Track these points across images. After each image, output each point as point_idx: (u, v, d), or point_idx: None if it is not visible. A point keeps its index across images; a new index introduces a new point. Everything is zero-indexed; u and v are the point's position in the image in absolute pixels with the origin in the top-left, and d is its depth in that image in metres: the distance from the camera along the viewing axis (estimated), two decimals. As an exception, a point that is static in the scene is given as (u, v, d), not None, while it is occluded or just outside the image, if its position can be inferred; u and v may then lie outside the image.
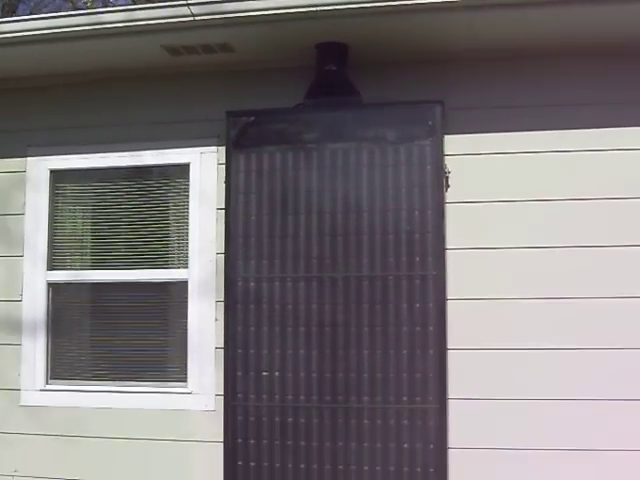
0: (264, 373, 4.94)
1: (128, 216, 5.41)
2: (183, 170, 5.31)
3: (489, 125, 4.95)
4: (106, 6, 11.87)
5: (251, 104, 5.10)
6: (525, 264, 4.83)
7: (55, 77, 5.48)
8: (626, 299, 4.71)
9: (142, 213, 5.38)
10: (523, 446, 4.77)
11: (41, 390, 5.41)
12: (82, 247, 5.54)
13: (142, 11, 4.80)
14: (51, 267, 5.48)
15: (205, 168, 5.23)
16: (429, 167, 4.89)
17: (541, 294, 4.81)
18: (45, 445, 5.37)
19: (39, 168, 5.50)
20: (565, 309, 4.79)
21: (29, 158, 5.55)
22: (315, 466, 4.87)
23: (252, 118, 5.07)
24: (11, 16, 10.82)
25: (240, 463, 4.95)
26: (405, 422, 4.81)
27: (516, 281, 4.85)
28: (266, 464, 4.93)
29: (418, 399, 4.79)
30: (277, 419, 4.92)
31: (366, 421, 4.83)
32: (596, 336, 4.75)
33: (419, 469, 4.77)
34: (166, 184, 5.38)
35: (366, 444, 4.83)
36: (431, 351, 4.80)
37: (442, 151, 4.91)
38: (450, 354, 4.84)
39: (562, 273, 4.81)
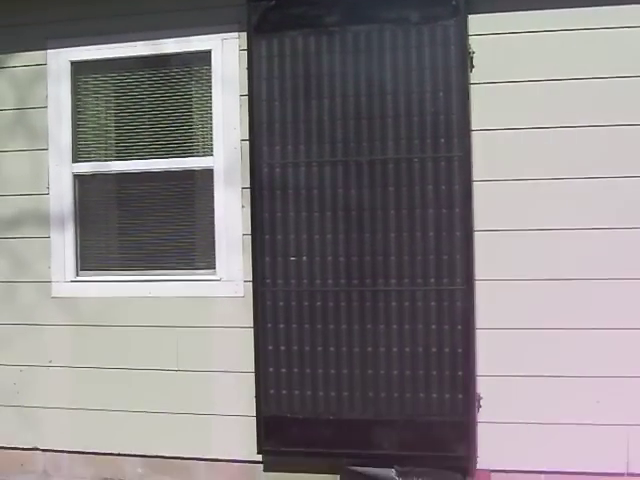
0: (292, 258, 4.96)
1: (151, 105, 5.39)
2: (205, 57, 5.26)
3: (514, 3, 4.84)
4: None
5: (272, -12, 4.99)
6: (552, 143, 4.76)
7: (72, -33, 5.36)
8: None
9: (165, 102, 5.36)
10: (553, 325, 4.75)
11: (72, 281, 5.47)
12: (106, 138, 5.53)
13: None
14: (76, 159, 5.49)
15: (227, 55, 5.19)
16: (453, 48, 4.83)
17: (569, 174, 4.75)
18: (78, 335, 5.46)
19: (59, 60, 5.46)
20: (593, 189, 4.72)
21: (49, 50, 5.50)
22: (344, 349, 4.93)
23: (273, 2, 5.02)
24: None
25: (270, 347, 5.02)
26: (433, 304, 4.84)
27: (545, 161, 4.77)
28: (295, 348, 5.00)
29: (445, 281, 4.81)
30: (306, 303, 4.96)
31: (394, 303, 4.86)
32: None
33: (447, 349, 4.83)
34: (188, 72, 5.34)
35: (394, 326, 4.88)
36: (458, 233, 4.80)
37: (466, 31, 4.84)
38: (477, 236, 4.83)
39: (592, 152, 4.71)
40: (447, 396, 4.81)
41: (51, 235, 5.48)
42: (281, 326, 4.98)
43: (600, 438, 4.70)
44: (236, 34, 5.15)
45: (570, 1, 4.77)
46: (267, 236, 4.97)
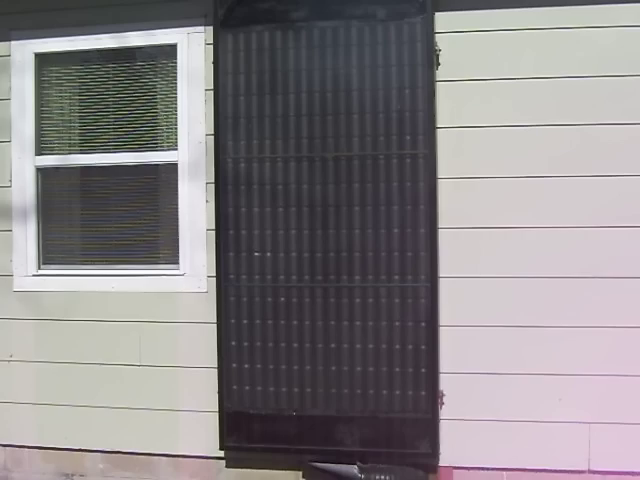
0: (256, 254, 4.96)
1: (116, 99, 5.35)
2: (170, 51, 5.24)
3: (480, 2, 4.86)
4: None
5: (239, -18, 4.97)
6: (516, 142, 4.78)
7: (38, -42, 5.31)
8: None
9: (130, 95, 5.33)
10: (516, 323, 4.77)
11: (33, 275, 5.42)
12: (70, 131, 5.48)
13: None
14: (39, 152, 5.44)
15: (192, 49, 5.16)
16: (419, 45, 4.84)
17: (532, 172, 4.78)
18: (39, 329, 5.41)
19: (23, 52, 5.41)
20: (555, 187, 4.75)
21: (13, 42, 5.45)
22: (308, 345, 4.93)
23: (240, -4, 4.97)
24: None
25: (233, 343, 5.01)
26: (397, 301, 4.85)
27: (507, 159, 4.80)
28: (259, 344, 4.99)
29: (409, 278, 4.82)
30: (269, 299, 4.95)
31: (358, 300, 4.86)
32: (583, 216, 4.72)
33: (411, 346, 4.84)
34: (153, 65, 5.31)
35: (358, 323, 4.89)
36: (422, 230, 4.81)
37: (433, 29, 4.85)
38: (441, 233, 4.84)
39: (555, 151, 4.74)
40: (410, 393, 4.82)
41: (13, 228, 5.43)
42: (244, 322, 4.97)
43: (562, 435, 4.74)
44: (202, 28, 5.13)
45: (538, 0, 4.75)
46: (231, 231, 4.96)
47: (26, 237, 5.41)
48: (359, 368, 4.86)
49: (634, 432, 4.70)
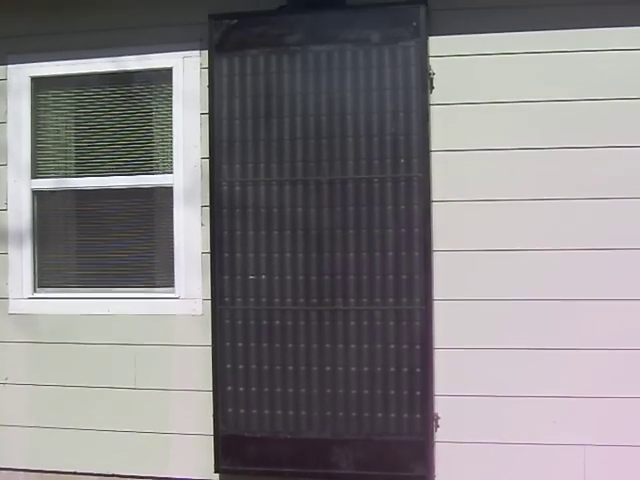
0: (251, 277, 4.96)
1: (111, 122, 5.37)
2: (166, 75, 5.26)
3: (474, 26, 4.89)
4: None
5: (234, 7, 5.02)
6: (511, 164, 4.79)
7: (34, -18, 5.34)
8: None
9: (125, 119, 5.35)
10: (510, 346, 4.78)
11: (29, 298, 5.42)
12: (66, 154, 5.50)
13: None
14: (35, 175, 5.45)
15: (188, 72, 5.19)
16: (413, 69, 4.85)
17: (527, 195, 4.80)
18: (35, 352, 5.41)
19: (19, 75, 5.44)
20: (549, 210, 4.77)
21: (9, 66, 5.47)
22: (303, 368, 4.92)
23: (235, 21, 5.02)
24: None
25: (229, 366, 5.00)
26: (391, 323, 4.84)
27: (503, 182, 4.81)
28: (254, 367, 4.99)
29: (404, 300, 4.83)
30: (264, 322, 4.96)
31: (352, 323, 4.87)
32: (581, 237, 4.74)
33: (405, 369, 4.84)
34: (149, 89, 5.34)
35: (353, 345, 4.88)
36: (416, 253, 4.81)
37: (427, 52, 4.87)
38: (435, 256, 4.85)
39: (550, 174, 4.76)
40: (405, 416, 4.81)
41: (9, 251, 5.44)
42: (239, 345, 4.97)
43: (557, 457, 4.73)
44: (197, 52, 5.16)
45: (529, 24, 4.82)
46: (226, 254, 4.96)
47: (22, 260, 5.42)
48: (354, 391, 4.86)
49: (629, 454, 4.68)
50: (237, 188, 4.97)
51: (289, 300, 4.92)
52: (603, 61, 4.77)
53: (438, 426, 4.86)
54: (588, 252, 4.73)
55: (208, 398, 5.05)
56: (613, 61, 4.76)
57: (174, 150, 5.21)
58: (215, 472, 5.07)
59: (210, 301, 5.04)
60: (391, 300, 4.84)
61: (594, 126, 4.76)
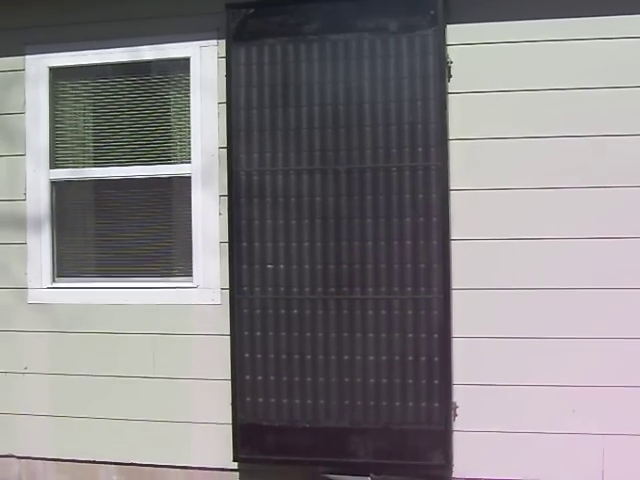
0: (269, 266, 4.96)
1: (129, 112, 5.39)
2: (183, 65, 5.27)
3: (492, 14, 4.87)
4: None
5: (251, -5, 5.01)
6: (528, 153, 4.78)
7: (52, -27, 5.35)
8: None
9: (143, 109, 5.36)
10: (529, 335, 4.77)
11: (48, 288, 5.44)
12: (84, 144, 5.51)
13: None
14: (54, 165, 5.47)
15: (205, 62, 5.19)
16: (431, 57, 4.85)
17: (545, 184, 4.78)
18: (54, 342, 5.44)
19: (38, 66, 5.45)
20: (569, 199, 4.75)
21: (27, 56, 5.49)
22: (321, 357, 4.93)
23: (252, 10, 5.02)
24: None
25: (247, 355, 5.02)
26: (409, 312, 4.84)
27: (521, 171, 4.80)
28: (272, 356, 5.00)
29: (422, 289, 4.82)
30: (282, 311, 4.96)
31: (370, 312, 4.87)
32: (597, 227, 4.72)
33: (423, 358, 4.84)
34: (167, 79, 5.34)
35: (371, 334, 4.89)
36: (435, 242, 4.81)
37: (444, 41, 4.86)
38: (454, 245, 4.84)
39: (569, 162, 4.73)
40: (423, 405, 4.82)
41: (28, 241, 5.46)
42: (258, 334, 4.98)
43: (576, 447, 4.72)
44: (215, 41, 5.16)
45: (547, 12, 4.79)
46: (244, 243, 4.97)
47: (40, 250, 5.44)
48: (372, 380, 4.87)
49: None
50: (255, 177, 4.97)
51: (307, 289, 4.92)
52: (619, 49, 4.71)
53: (456, 415, 4.86)
54: (610, 240, 4.69)
55: (227, 387, 5.07)
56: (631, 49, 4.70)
57: (192, 139, 5.22)
58: (234, 461, 5.09)
59: (228, 290, 5.06)
60: (409, 289, 4.83)
61: (619, 113, 4.70)
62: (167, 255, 5.38)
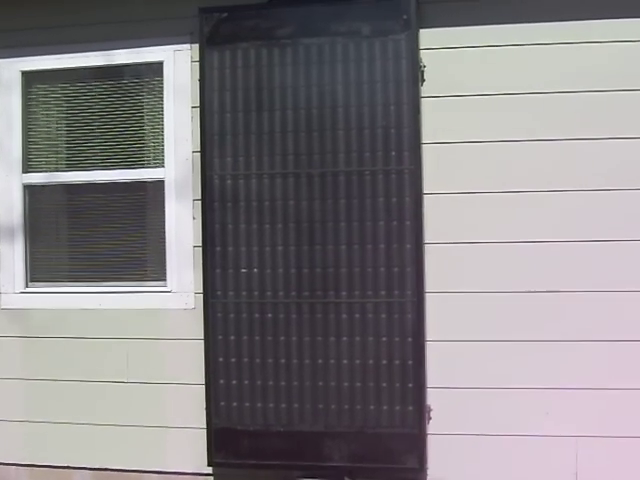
0: (243, 270, 4.96)
1: (102, 116, 5.37)
2: (157, 69, 5.25)
3: (464, 18, 4.88)
4: None
5: (224, 0, 4.99)
6: (501, 157, 4.80)
7: (24, -23, 5.33)
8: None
9: (116, 113, 5.34)
10: (502, 338, 4.79)
11: (21, 293, 5.41)
12: (57, 149, 5.49)
13: None
14: (26, 170, 5.44)
15: (179, 66, 5.18)
16: (404, 61, 4.85)
17: (518, 187, 4.81)
18: (27, 347, 5.40)
19: (10, 70, 5.43)
20: (540, 202, 4.78)
21: (0, 60, 5.42)
22: (295, 361, 4.93)
23: (225, 14, 5.02)
24: None
25: (221, 359, 5.01)
26: (383, 316, 4.85)
27: (494, 174, 4.82)
28: (246, 360, 4.99)
29: (396, 293, 4.83)
30: (256, 315, 4.96)
31: (344, 315, 4.87)
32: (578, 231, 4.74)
33: (397, 362, 4.85)
34: (140, 83, 5.33)
35: (345, 338, 4.88)
36: (408, 245, 4.82)
37: (417, 45, 4.87)
38: (427, 248, 4.85)
39: (540, 165, 4.76)
40: (397, 408, 4.82)
41: (0, 246, 5.40)
42: (232, 338, 4.97)
43: (549, 449, 4.74)
44: (188, 45, 5.15)
45: (520, 17, 4.81)
46: (218, 248, 4.97)
47: (13, 255, 5.42)
48: (346, 383, 4.87)
49: (621, 446, 4.69)
50: (228, 181, 4.97)
51: (281, 293, 4.92)
52: (591, 53, 4.75)
53: (430, 418, 4.87)
54: (580, 244, 4.74)
55: (201, 392, 5.06)
56: (598, 53, 4.74)
57: (165, 144, 5.21)
58: (208, 465, 5.08)
59: (202, 294, 5.05)
60: (383, 293, 4.84)
61: (587, 117, 4.75)
62: (141, 259, 5.36)
